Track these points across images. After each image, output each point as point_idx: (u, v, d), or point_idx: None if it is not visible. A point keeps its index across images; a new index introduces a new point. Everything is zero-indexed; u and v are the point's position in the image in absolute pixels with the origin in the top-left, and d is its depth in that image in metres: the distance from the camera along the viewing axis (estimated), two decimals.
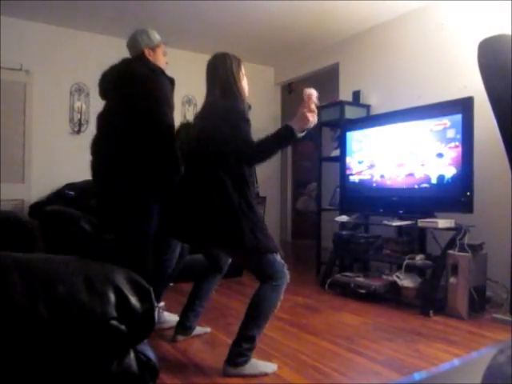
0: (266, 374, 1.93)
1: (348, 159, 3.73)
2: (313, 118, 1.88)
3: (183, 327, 2.34)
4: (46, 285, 0.77)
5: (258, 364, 1.97)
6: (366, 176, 3.58)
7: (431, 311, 2.80)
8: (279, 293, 1.97)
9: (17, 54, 3.97)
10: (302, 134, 1.90)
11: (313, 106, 1.87)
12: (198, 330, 2.41)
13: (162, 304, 2.73)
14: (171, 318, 2.55)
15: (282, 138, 1.91)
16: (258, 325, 1.94)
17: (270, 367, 1.98)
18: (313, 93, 1.88)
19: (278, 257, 1.99)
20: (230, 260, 2.37)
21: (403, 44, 3.92)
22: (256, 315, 1.95)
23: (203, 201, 1.98)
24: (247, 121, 1.95)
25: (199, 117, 2.19)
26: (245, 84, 2.12)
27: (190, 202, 2.04)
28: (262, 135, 2.06)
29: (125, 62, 2.37)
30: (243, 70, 2.13)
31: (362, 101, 4.27)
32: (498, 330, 2.53)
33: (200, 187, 2.01)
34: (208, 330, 2.46)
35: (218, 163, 1.97)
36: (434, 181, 3.06)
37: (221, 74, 2.06)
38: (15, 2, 3.62)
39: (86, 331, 0.77)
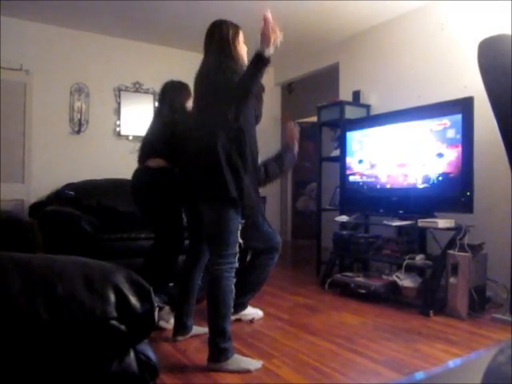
0: (248, 371, 1.94)
1: (348, 159, 3.73)
2: (274, 34, 1.90)
3: (181, 328, 2.34)
4: (46, 285, 0.77)
5: (242, 360, 1.99)
6: (365, 176, 3.58)
7: (431, 311, 2.80)
8: (230, 278, 1.99)
9: (17, 54, 3.97)
10: (271, 50, 1.92)
11: (269, 26, 1.89)
12: (198, 330, 2.41)
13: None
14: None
15: (253, 63, 1.92)
16: (221, 315, 1.96)
17: (253, 364, 1.99)
18: (267, 15, 1.89)
19: (237, 246, 2.03)
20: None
21: (403, 44, 3.92)
22: (215, 307, 1.97)
23: (199, 162, 2.03)
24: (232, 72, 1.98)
25: (196, 85, 2.18)
26: (242, 51, 2.14)
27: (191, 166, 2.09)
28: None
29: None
30: (241, 38, 2.15)
31: (362, 101, 4.27)
32: (498, 330, 2.53)
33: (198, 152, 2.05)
34: (207, 330, 2.46)
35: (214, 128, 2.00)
36: (434, 181, 3.06)
37: (217, 37, 2.09)
38: (15, 2, 3.62)
39: (86, 331, 0.77)
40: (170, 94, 2.86)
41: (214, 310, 1.98)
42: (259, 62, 1.90)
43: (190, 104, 2.88)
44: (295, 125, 2.63)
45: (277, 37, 1.90)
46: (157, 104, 2.97)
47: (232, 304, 2.02)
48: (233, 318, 2.29)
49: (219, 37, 2.09)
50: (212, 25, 2.17)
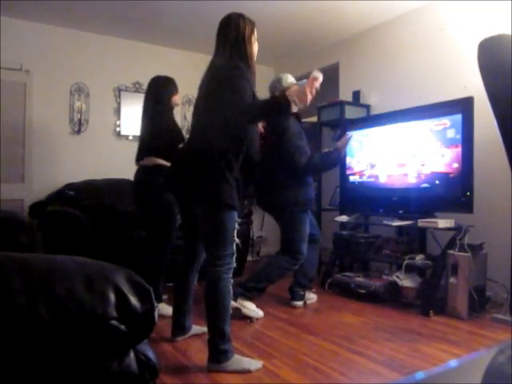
0: (249, 371, 1.94)
1: (348, 159, 3.73)
2: (308, 99, 1.88)
3: (179, 328, 2.34)
4: (46, 285, 0.77)
5: (243, 361, 1.99)
6: (366, 176, 3.58)
7: (431, 311, 2.80)
8: (227, 279, 1.98)
9: (17, 54, 3.97)
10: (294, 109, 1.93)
11: (314, 90, 1.89)
12: (198, 329, 2.41)
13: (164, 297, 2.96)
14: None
15: (270, 102, 1.93)
16: (219, 316, 1.95)
17: (253, 364, 1.99)
18: (319, 77, 1.90)
19: (234, 244, 2.01)
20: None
21: (403, 44, 3.92)
22: (214, 307, 1.96)
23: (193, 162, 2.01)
24: (246, 80, 1.93)
25: (204, 81, 2.14)
26: (255, 48, 2.11)
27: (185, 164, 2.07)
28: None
29: None
30: (256, 35, 2.12)
31: (362, 101, 4.27)
32: (498, 330, 2.53)
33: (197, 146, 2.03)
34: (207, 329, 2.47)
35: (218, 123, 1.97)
36: (434, 181, 3.06)
37: (232, 35, 2.04)
38: (15, 2, 3.62)
39: (86, 331, 0.77)
40: (156, 89, 2.87)
41: (212, 311, 1.96)
42: (276, 108, 1.92)
43: (176, 99, 2.91)
44: (351, 136, 3.04)
45: (306, 101, 1.90)
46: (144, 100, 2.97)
47: (230, 305, 2.00)
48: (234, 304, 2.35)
49: (235, 33, 2.04)
50: (228, 17, 2.11)
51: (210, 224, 2.00)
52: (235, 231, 2.00)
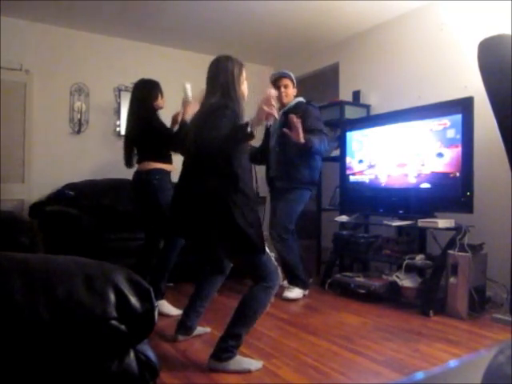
0: (249, 371, 1.95)
1: (348, 159, 3.73)
2: (269, 110, 1.85)
3: (184, 327, 2.34)
4: (46, 285, 0.77)
5: (243, 361, 2.00)
6: (366, 176, 3.58)
7: (431, 311, 2.80)
8: (270, 294, 2.01)
9: (17, 54, 3.97)
10: (258, 125, 1.88)
11: (270, 102, 1.86)
12: (198, 329, 2.42)
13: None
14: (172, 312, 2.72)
15: (237, 129, 1.89)
16: (245, 324, 1.98)
17: (254, 364, 2.00)
18: (272, 92, 1.90)
19: (273, 259, 2.04)
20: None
21: (403, 44, 3.92)
22: (245, 315, 1.99)
23: (198, 202, 2.00)
24: (228, 116, 1.93)
25: (195, 120, 2.18)
26: (245, 88, 2.15)
27: (188, 203, 2.06)
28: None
29: None
30: (244, 74, 2.14)
31: (361, 101, 4.27)
32: (498, 330, 2.53)
33: (194, 189, 2.03)
34: (208, 330, 2.47)
35: (208, 164, 1.98)
36: (434, 181, 3.06)
37: (222, 78, 2.06)
38: (15, 2, 3.62)
39: (86, 331, 0.77)
40: (141, 93, 2.89)
41: (241, 316, 1.99)
42: (241, 129, 1.87)
43: (160, 102, 2.93)
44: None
45: (270, 113, 1.86)
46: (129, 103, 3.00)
47: (258, 319, 2.01)
48: None
49: (224, 76, 2.06)
50: (217, 60, 2.13)
51: (247, 269, 2.08)
52: (272, 257, 2.05)
